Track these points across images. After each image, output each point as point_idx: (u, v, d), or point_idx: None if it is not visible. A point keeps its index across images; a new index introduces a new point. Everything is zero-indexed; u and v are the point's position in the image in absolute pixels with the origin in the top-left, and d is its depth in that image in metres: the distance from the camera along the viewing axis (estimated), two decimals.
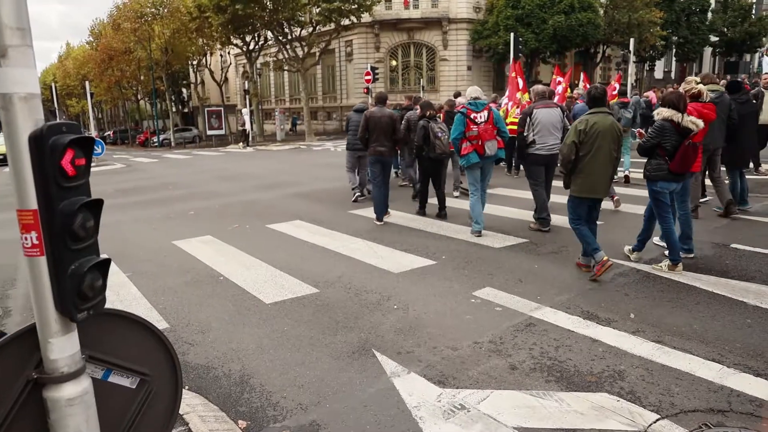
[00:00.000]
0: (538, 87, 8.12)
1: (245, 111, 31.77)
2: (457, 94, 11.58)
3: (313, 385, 3.46)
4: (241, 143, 30.14)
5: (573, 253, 6.05)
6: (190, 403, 3.25)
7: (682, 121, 5.00)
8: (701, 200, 7.86)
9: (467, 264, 5.83)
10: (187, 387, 3.47)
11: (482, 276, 5.42)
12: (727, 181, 7.79)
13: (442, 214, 8.17)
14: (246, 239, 7.34)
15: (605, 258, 5.15)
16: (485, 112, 6.80)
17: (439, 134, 7.65)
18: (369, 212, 8.63)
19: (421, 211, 8.38)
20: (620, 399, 3.14)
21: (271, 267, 5.97)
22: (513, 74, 12.32)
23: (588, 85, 12.85)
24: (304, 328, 4.33)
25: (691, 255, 5.73)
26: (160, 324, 4.53)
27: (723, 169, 7.94)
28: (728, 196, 7.44)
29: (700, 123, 5.08)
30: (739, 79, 8.45)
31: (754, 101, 7.72)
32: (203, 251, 6.77)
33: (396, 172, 11.88)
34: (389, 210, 8.26)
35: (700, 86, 5.91)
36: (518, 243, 6.56)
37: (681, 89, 5.98)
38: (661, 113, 5.15)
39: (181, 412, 3.06)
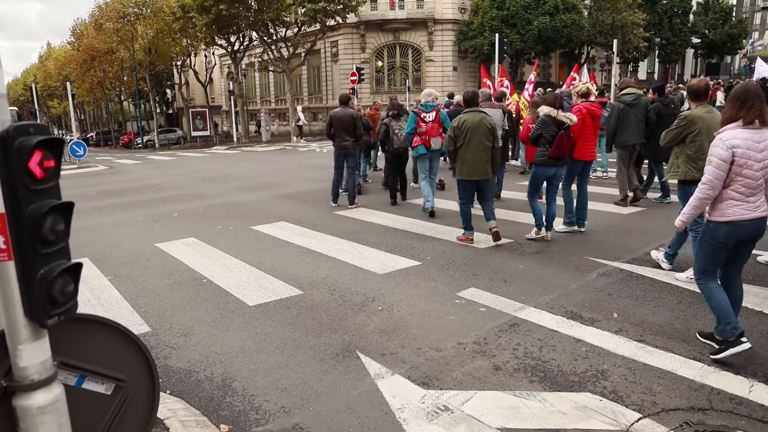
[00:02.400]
0: (467, 92, 9.12)
1: (300, 108, 33.45)
2: (451, 95, 13.21)
3: (296, 387, 3.43)
4: (297, 138, 31.11)
5: (557, 253, 6.09)
6: (172, 408, 3.19)
7: (557, 116, 6.27)
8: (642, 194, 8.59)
9: (452, 264, 5.83)
10: (168, 391, 3.41)
11: (467, 276, 5.42)
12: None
13: (402, 199, 9.44)
14: (230, 241, 7.27)
15: (471, 237, 6.65)
16: (433, 113, 8.11)
17: (396, 131, 8.91)
18: (353, 213, 8.62)
19: (393, 201, 9.35)
20: (603, 398, 3.15)
21: (254, 269, 5.92)
22: (500, 79, 12.67)
23: (595, 84, 13.20)
24: (288, 331, 4.29)
25: (580, 228, 6.95)
26: (142, 327, 4.47)
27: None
28: (626, 191, 8.30)
29: (574, 118, 6.38)
30: (662, 84, 9.64)
31: (672, 105, 8.52)
32: (186, 253, 6.69)
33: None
34: (345, 197, 9.46)
35: (587, 86, 7.18)
36: (503, 243, 6.56)
37: (573, 90, 7.52)
38: (542, 110, 6.42)
39: (162, 416, 3.02)
